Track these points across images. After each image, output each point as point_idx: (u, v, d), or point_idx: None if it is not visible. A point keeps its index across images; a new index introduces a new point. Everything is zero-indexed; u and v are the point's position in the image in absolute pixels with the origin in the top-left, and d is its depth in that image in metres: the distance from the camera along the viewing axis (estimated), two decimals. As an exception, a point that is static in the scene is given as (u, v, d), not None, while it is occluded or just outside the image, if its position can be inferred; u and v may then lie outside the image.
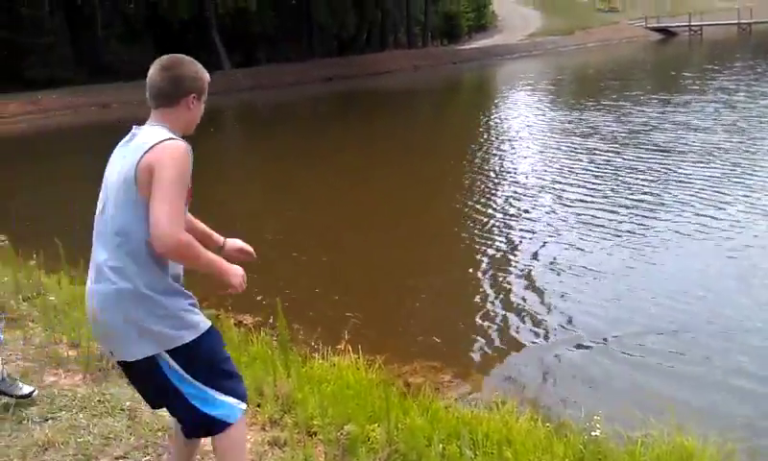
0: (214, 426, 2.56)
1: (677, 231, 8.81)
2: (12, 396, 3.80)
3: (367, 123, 25.47)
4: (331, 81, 48.76)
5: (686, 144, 14.46)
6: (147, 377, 2.55)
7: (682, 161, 12.82)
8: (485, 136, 19.66)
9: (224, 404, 2.55)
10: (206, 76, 2.73)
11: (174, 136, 2.51)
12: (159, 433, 3.52)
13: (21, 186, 16.22)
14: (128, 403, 3.85)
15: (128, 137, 2.60)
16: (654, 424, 3.91)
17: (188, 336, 2.48)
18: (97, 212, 2.56)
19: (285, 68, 53.22)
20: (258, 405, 3.95)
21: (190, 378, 2.49)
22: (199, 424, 2.58)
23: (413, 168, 15.36)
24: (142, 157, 2.41)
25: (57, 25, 52.70)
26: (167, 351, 2.45)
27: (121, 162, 2.50)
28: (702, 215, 9.31)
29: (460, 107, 32.76)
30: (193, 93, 2.66)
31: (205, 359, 2.54)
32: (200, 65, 2.72)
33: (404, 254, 9.12)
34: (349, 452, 3.43)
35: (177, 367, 2.47)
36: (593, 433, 3.68)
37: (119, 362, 2.64)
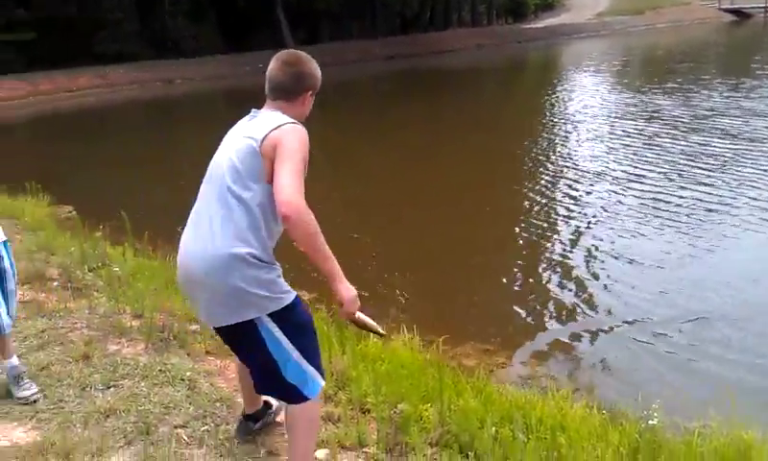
0: (294, 396, 2.69)
1: (738, 220, 8.53)
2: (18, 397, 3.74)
3: (428, 101, 25.35)
4: (393, 59, 48.61)
5: (754, 131, 13.92)
6: (243, 339, 2.73)
7: (747, 149, 12.36)
8: (546, 117, 19.36)
9: (308, 376, 2.70)
10: (320, 73, 2.87)
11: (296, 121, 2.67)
12: (218, 404, 3.60)
13: (89, 159, 16.68)
14: (188, 374, 3.94)
15: (248, 117, 2.78)
16: (713, 415, 3.81)
17: (286, 300, 2.65)
18: (207, 180, 2.74)
19: (348, 46, 53.28)
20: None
21: (285, 342, 2.65)
22: (282, 391, 2.73)
23: (472, 147, 15.22)
24: (269, 132, 2.58)
25: (126, 2, 53.79)
26: (267, 315, 2.61)
27: (243, 136, 2.66)
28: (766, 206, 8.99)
29: (522, 87, 32.31)
30: (310, 90, 2.83)
31: (300, 323, 2.70)
32: (316, 63, 2.86)
33: (462, 234, 9.07)
34: (402, 431, 3.45)
35: (275, 330, 2.63)
36: (650, 422, 3.61)
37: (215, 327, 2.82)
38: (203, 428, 3.36)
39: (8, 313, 3.75)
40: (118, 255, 6.75)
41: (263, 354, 2.65)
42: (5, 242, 3.85)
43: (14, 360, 3.80)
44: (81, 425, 3.40)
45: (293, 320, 2.67)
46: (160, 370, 3.98)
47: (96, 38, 50.86)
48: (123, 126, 26.48)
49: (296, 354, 2.67)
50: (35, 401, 3.66)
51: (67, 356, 4.20)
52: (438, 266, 7.92)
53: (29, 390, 3.72)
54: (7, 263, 3.79)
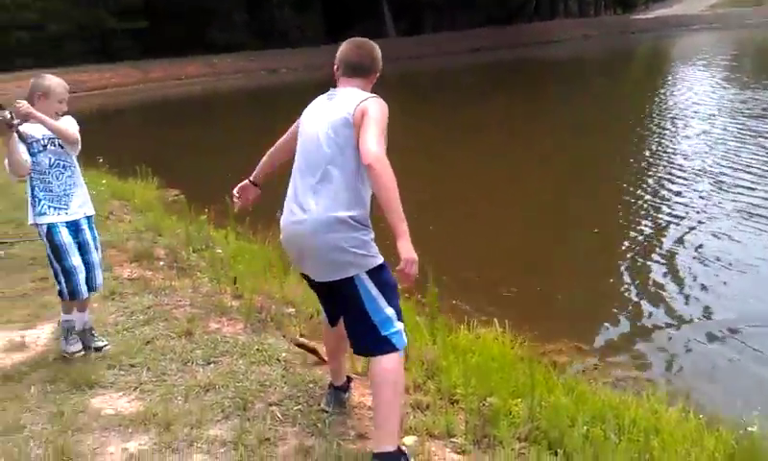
0: (385, 346, 2.92)
1: None
2: (89, 347, 4.16)
3: (532, 92, 25.01)
4: (498, 49, 48.03)
5: None
6: (343, 296, 2.99)
7: None
8: (650, 112, 18.71)
9: (397, 329, 2.95)
10: None
11: None
12: (311, 385, 3.69)
13: (195, 145, 17.33)
14: (283, 355, 4.06)
15: (329, 94, 3.12)
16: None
17: (380, 259, 2.94)
18: (301, 152, 3.05)
19: (451, 36, 53.12)
20: (404, 368, 4.04)
21: (379, 298, 2.92)
22: (373, 342, 2.94)
23: (571, 142, 14.90)
24: (358, 104, 2.90)
25: (232, -8, 55.25)
26: (365, 273, 2.89)
27: (332, 110, 2.98)
28: None
29: (629, 79, 31.30)
30: (378, 71, 3.20)
31: (391, 283, 2.96)
32: None
33: (555, 231, 8.93)
34: (490, 423, 3.44)
35: (371, 286, 2.91)
36: (749, 429, 3.46)
37: (313, 283, 3.14)
38: (296, 407, 3.46)
39: (86, 282, 4.08)
40: (221, 238, 7.00)
41: (360, 309, 2.91)
42: (89, 217, 4.19)
43: (86, 316, 4.22)
44: (181, 398, 3.56)
45: (384, 279, 2.93)
46: (257, 349, 4.11)
47: (206, 28, 52.55)
48: (228, 113, 27.33)
49: (389, 310, 2.93)
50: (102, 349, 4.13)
51: (171, 332, 4.41)
52: (529, 263, 7.81)
53: (102, 341, 4.18)
54: (88, 236, 4.15)
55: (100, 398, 3.63)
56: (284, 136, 3.46)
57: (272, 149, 3.54)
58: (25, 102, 3.87)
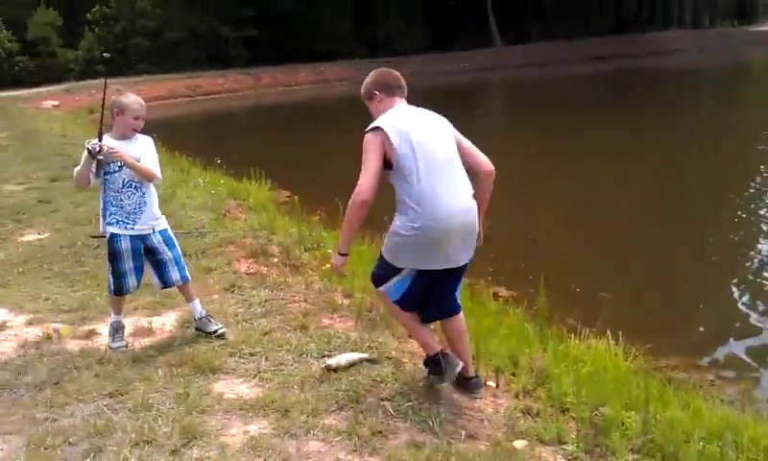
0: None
1: None
2: (207, 332, 4.40)
3: (640, 106, 24.26)
4: (606, 59, 46.91)
5: None
6: (453, 276, 3.60)
7: None
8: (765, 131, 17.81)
9: None
10: None
11: None
12: (420, 384, 3.75)
13: (305, 148, 17.78)
14: (393, 353, 4.14)
15: (411, 107, 3.69)
16: None
17: None
18: (425, 155, 3.39)
19: (558, 45, 52.27)
20: (513, 374, 4.05)
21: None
22: (456, 302, 3.68)
23: (682, 156, 14.41)
24: (445, 121, 3.62)
25: (344, 2, 56.36)
26: None
27: (432, 120, 3.62)
28: None
29: (747, 94, 29.91)
30: None
31: None
32: None
33: (669, 247, 8.65)
34: (602, 433, 3.40)
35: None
36: None
37: (436, 275, 3.52)
38: (407, 404, 3.52)
39: (161, 278, 4.42)
40: (331, 239, 7.15)
41: (461, 279, 3.69)
42: (161, 230, 4.41)
43: (197, 304, 4.51)
44: (298, 388, 3.70)
45: None
46: (369, 346, 4.21)
47: (314, 37, 53.77)
48: (335, 119, 27.80)
49: None
50: (218, 332, 4.40)
51: (287, 325, 4.57)
52: (645, 277, 7.62)
53: (216, 326, 4.45)
54: (156, 240, 4.35)
55: (222, 382, 3.81)
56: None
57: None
58: (116, 145, 4.13)
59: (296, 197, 7.74)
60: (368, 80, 3.73)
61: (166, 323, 4.76)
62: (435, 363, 3.64)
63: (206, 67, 46.10)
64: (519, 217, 9.20)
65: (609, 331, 4.86)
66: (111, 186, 4.22)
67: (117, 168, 4.21)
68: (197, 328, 4.48)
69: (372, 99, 3.69)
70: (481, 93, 33.74)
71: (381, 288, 3.65)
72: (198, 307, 4.49)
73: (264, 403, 3.53)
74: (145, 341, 4.42)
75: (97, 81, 39.00)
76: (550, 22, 60.08)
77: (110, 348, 4.32)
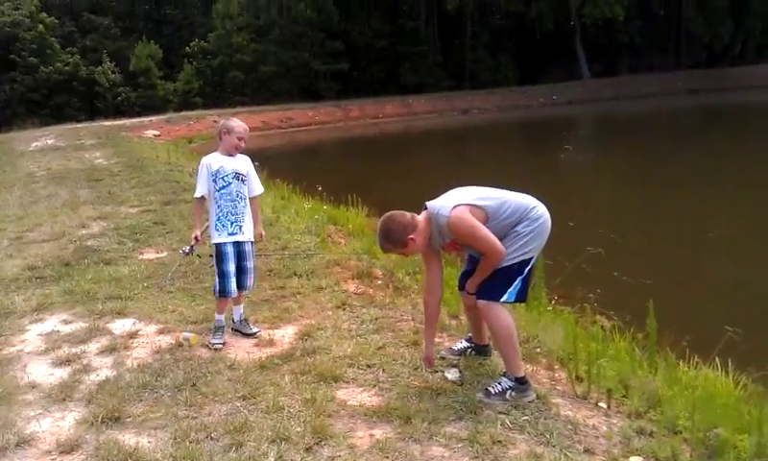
0: None
1: None
2: (244, 333, 5.07)
3: (733, 142, 23.57)
4: (697, 93, 45.81)
5: None
6: None
7: None
8: None
9: None
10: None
11: None
12: (536, 400, 3.88)
13: (394, 178, 18.09)
14: (503, 370, 4.28)
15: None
16: None
17: None
18: (505, 191, 4.04)
19: (648, 78, 51.43)
20: (624, 396, 4.13)
21: None
22: None
23: None
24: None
25: (430, 35, 57.19)
26: None
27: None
28: None
29: None
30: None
31: None
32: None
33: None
34: (716, 455, 3.46)
35: None
36: None
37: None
38: (523, 418, 3.67)
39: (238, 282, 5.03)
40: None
41: None
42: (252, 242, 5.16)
43: (241, 309, 5.21)
44: (416, 398, 3.89)
45: None
46: (480, 364, 4.37)
47: (402, 69, 54.69)
48: (422, 150, 28.21)
49: None
50: (255, 333, 5.06)
51: (399, 341, 4.79)
52: (758, 306, 7.47)
53: (253, 329, 5.12)
54: (248, 248, 5.10)
55: (344, 390, 4.05)
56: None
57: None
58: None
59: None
60: (393, 229, 3.96)
61: (286, 335, 5.05)
62: (522, 382, 3.92)
63: (298, 100, 47.59)
64: (618, 246, 9.18)
65: (718, 358, 4.86)
66: (227, 197, 4.98)
67: (231, 180, 4.99)
68: (234, 329, 5.14)
69: (409, 244, 3.95)
70: (570, 126, 33.47)
71: (503, 298, 3.88)
72: (240, 311, 5.18)
73: (386, 410, 3.74)
74: (268, 351, 4.72)
75: (195, 112, 40.84)
76: (639, 55, 59.17)
77: (210, 343, 4.90)
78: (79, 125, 35.76)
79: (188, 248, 5.30)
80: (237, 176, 5.02)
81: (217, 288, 4.99)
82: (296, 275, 6.65)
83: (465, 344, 4.56)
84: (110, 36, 54.08)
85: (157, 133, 32.04)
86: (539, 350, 4.88)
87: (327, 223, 9.57)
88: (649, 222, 11.33)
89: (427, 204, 4.02)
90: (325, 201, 11.56)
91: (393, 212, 4.00)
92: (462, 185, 4.15)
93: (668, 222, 11.56)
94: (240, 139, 5.03)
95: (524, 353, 4.63)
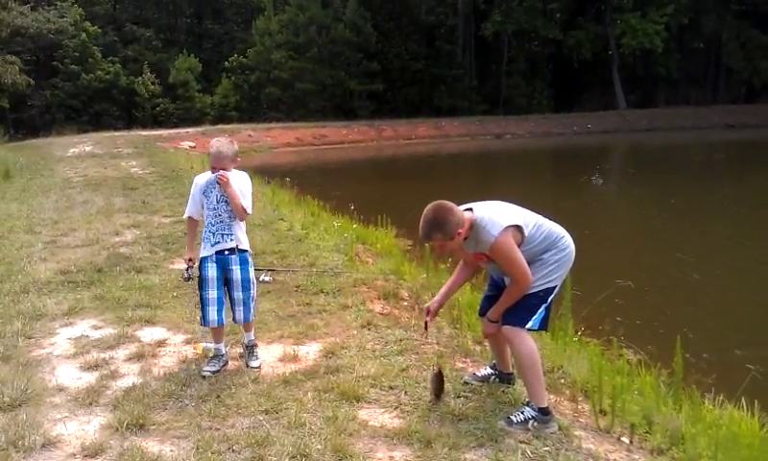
0: None
1: None
2: (246, 364, 4.81)
3: (766, 178, 23.24)
4: (734, 128, 45.28)
5: None
6: None
7: None
8: None
9: None
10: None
11: None
12: (559, 432, 3.86)
13: (425, 199, 18.08)
14: (526, 399, 4.27)
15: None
16: None
17: None
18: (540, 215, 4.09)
19: (684, 111, 51.00)
20: (647, 432, 4.10)
21: None
22: None
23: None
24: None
25: (467, 59, 57.37)
26: None
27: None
28: None
29: None
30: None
31: None
32: None
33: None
34: (739, 497, 3.41)
35: None
36: None
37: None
38: (544, 449, 3.65)
39: (220, 313, 4.74)
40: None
41: None
42: (244, 253, 4.82)
43: (251, 335, 4.91)
44: (437, 422, 3.90)
45: None
46: (503, 391, 4.36)
47: (436, 92, 54.89)
48: (453, 172, 28.19)
49: None
50: (254, 368, 4.75)
51: (422, 364, 4.79)
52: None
53: (255, 363, 4.81)
54: (238, 275, 4.74)
55: (366, 410, 4.07)
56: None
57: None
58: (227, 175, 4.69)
59: (427, 244, 7.97)
60: (449, 219, 3.85)
61: (310, 352, 5.08)
62: (545, 412, 3.91)
63: (332, 118, 47.97)
64: (647, 279, 9.10)
65: (743, 398, 4.80)
66: (211, 207, 4.77)
67: (213, 190, 4.74)
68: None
69: (455, 238, 3.87)
70: (604, 155, 33.29)
71: (528, 325, 3.90)
72: (251, 337, 4.93)
73: (407, 433, 3.75)
74: (292, 367, 4.75)
75: (230, 126, 41.35)
76: (676, 88, 58.75)
77: (201, 369, 4.74)
78: (116, 133, 36.34)
79: (186, 273, 4.93)
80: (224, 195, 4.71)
81: (200, 319, 4.82)
82: (322, 292, 6.69)
83: (489, 371, 4.54)
84: (152, 48, 55.05)
85: (193, 144, 32.45)
86: (563, 380, 4.86)
87: (356, 242, 9.61)
88: (679, 256, 11.20)
89: (473, 207, 3.98)
90: (355, 220, 11.62)
91: (445, 202, 3.91)
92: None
93: (698, 257, 11.43)
94: (214, 168, 4.68)
95: (548, 383, 4.60)
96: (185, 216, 4.93)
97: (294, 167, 28.32)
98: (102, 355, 5.05)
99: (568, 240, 4.04)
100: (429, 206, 3.90)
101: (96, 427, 3.95)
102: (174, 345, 5.29)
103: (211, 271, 4.73)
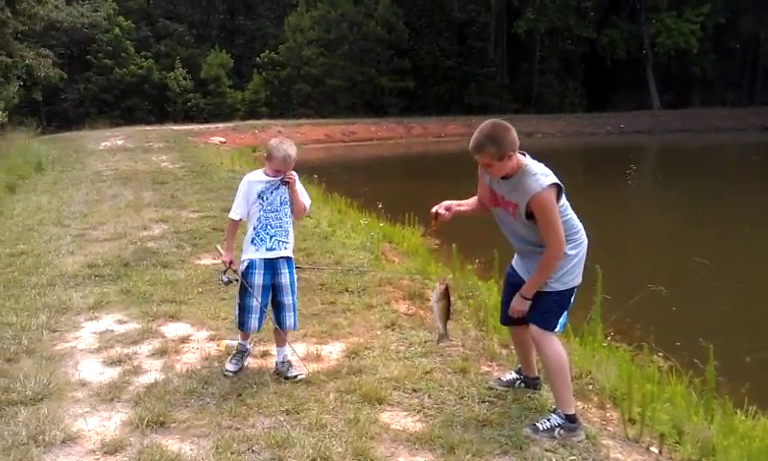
0: None
1: None
2: (286, 377, 4.49)
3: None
4: (770, 131, 44.41)
5: None
6: None
7: None
8: None
9: None
10: None
11: None
12: (586, 441, 3.75)
13: (456, 197, 17.95)
14: (554, 406, 4.17)
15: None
16: None
17: None
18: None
19: (719, 113, 50.16)
20: (677, 442, 3.98)
21: None
22: None
23: None
24: None
25: (498, 57, 56.94)
26: None
27: None
28: None
29: None
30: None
31: None
32: None
33: None
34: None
35: None
36: None
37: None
38: (570, 458, 3.56)
39: (261, 320, 4.57)
40: (485, 288, 7.26)
41: None
42: (289, 259, 4.64)
43: (285, 350, 4.62)
44: (461, 428, 3.82)
45: None
46: (529, 397, 4.26)
47: (467, 89, 54.59)
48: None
49: None
50: (296, 377, 4.48)
51: (446, 367, 4.72)
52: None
53: (295, 371, 4.53)
54: (287, 279, 4.58)
55: (388, 413, 4.00)
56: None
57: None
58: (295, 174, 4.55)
59: (453, 245, 7.87)
60: (505, 137, 3.69)
61: (333, 351, 5.03)
62: (572, 420, 3.81)
63: (362, 114, 47.98)
64: (679, 284, 8.92)
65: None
66: (269, 207, 4.56)
67: (275, 190, 4.54)
68: (276, 372, 4.60)
69: (511, 157, 3.71)
70: (636, 155, 32.84)
71: (557, 329, 3.82)
72: (285, 353, 4.64)
73: (429, 438, 3.67)
74: (315, 366, 4.69)
75: (261, 121, 41.54)
76: (711, 88, 57.80)
77: (224, 369, 4.61)
78: (148, 128, 36.69)
79: (225, 276, 4.69)
80: (283, 184, 4.53)
81: (236, 320, 4.63)
82: (347, 291, 6.64)
83: (514, 375, 4.45)
84: (184, 43, 55.46)
85: (223, 139, 32.61)
86: (591, 386, 4.75)
87: (382, 240, 9.54)
88: (712, 261, 10.96)
89: (524, 153, 3.82)
90: (382, 218, 11.55)
91: (504, 121, 3.79)
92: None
93: (733, 262, 11.19)
94: (278, 171, 4.49)
95: (576, 390, 4.50)
96: (234, 217, 4.57)
97: (322, 163, 28.30)
98: (125, 351, 5.05)
99: (583, 236, 3.89)
100: (487, 121, 3.78)
101: (117, 424, 3.93)
102: (197, 341, 5.27)
103: (259, 277, 4.49)
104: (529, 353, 4.29)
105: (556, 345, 3.82)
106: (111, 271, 7.35)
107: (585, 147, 38.79)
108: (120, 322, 5.76)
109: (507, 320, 4.15)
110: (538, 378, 4.37)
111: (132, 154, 22.49)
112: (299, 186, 4.60)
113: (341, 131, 42.25)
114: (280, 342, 4.64)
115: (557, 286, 3.81)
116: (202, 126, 39.11)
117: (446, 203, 4.17)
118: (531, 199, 3.67)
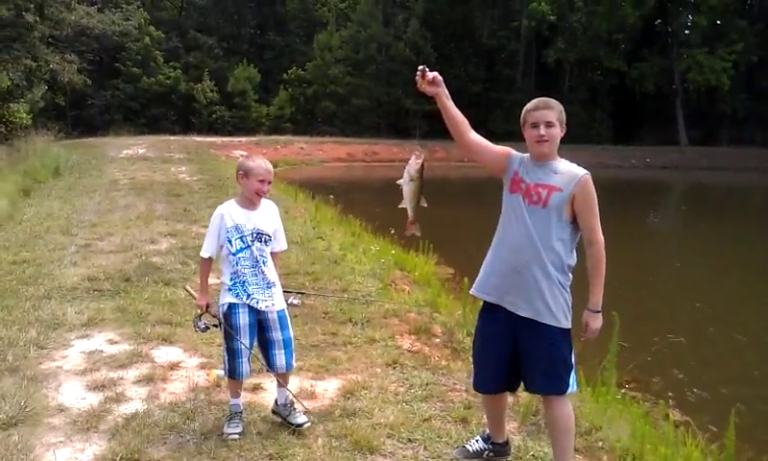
0: None
1: None
2: (289, 423, 4.07)
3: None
4: (802, 171, 43.65)
5: None
6: None
7: None
8: None
9: None
10: None
11: None
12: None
13: (469, 227, 17.69)
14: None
15: None
16: None
17: None
18: None
19: (748, 152, 49.50)
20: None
21: None
22: None
23: None
24: None
25: (526, 85, 56.68)
26: None
27: None
28: None
29: None
30: None
31: None
32: None
33: None
34: None
35: None
36: None
37: None
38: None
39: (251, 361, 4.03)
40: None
41: None
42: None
43: (286, 390, 4.14)
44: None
45: None
46: (533, 455, 3.96)
47: (492, 116, 54.39)
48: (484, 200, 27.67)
49: None
50: (303, 425, 4.03)
51: (447, 414, 4.42)
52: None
53: (300, 419, 4.07)
54: (275, 314, 4.05)
55: (379, 465, 3.71)
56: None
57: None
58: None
59: (465, 278, 7.59)
60: (557, 108, 3.65)
61: (328, 389, 4.75)
62: None
63: (384, 135, 47.89)
64: (701, 335, 8.55)
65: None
66: (245, 262, 3.99)
67: (250, 243, 3.98)
68: (274, 412, 4.21)
69: (558, 130, 3.61)
70: (661, 192, 32.42)
71: (571, 389, 3.47)
72: (286, 394, 4.18)
73: (422, 496, 3.38)
74: (307, 404, 4.41)
75: (284, 137, 41.58)
76: (741, 127, 57.11)
77: (224, 433, 3.97)
78: (171, 137, 36.83)
79: (201, 323, 4.19)
80: (260, 236, 4.00)
81: (226, 367, 4.02)
82: (351, 321, 6.37)
83: (481, 444, 3.89)
84: (213, 56, 55.80)
85: (245, 153, 32.54)
86: (600, 444, 4.42)
87: (394, 267, 9.28)
88: (737, 310, 10.57)
89: None
90: (395, 243, 11.28)
91: None
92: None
93: (759, 311, 10.77)
94: (262, 182, 3.98)
95: (584, 447, 4.21)
96: (205, 255, 4.06)
97: (341, 182, 28.21)
98: (111, 375, 4.82)
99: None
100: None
101: (89, 458, 3.69)
102: (187, 369, 5.02)
103: (243, 317, 3.95)
104: (503, 417, 3.88)
105: (569, 405, 3.52)
106: (111, 285, 7.15)
107: (609, 179, 38.16)
108: (111, 342, 5.54)
109: (496, 387, 3.70)
110: (507, 443, 3.94)
111: (152, 163, 22.46)
112: (273, 228, 4.10)
113: (363, 150, 42.16)
114: (282, 381, 4.15)
115: (566, 323, 3.43)
116: (225, 138, 39.21)
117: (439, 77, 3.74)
118: (580, 179, 3.48)
